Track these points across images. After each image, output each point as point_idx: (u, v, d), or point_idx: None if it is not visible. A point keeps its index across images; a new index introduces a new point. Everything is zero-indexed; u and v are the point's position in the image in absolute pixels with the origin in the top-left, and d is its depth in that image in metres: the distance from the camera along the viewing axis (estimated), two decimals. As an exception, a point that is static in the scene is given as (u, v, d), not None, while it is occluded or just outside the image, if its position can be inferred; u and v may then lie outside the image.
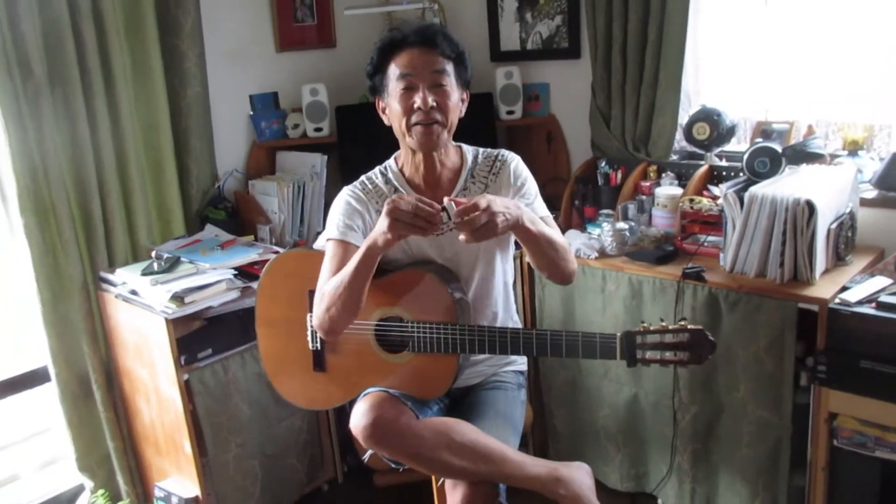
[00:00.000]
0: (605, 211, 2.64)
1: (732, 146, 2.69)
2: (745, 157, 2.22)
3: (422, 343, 1.72)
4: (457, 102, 1.77)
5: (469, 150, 1.90)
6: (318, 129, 2.92)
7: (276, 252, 2.46)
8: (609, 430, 2.53)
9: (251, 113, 2.93)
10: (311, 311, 1.80)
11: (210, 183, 2.80)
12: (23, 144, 2.23)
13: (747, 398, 2.15)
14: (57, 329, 2.39)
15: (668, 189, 2.52)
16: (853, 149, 2.43)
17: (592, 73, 2.76)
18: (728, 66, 2.72)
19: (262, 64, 2.97)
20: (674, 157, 2.72)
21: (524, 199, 1.83)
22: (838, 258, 2.16)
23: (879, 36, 2.33)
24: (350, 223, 1.78)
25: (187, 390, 2.26)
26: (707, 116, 2.58)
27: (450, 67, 1.74)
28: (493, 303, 1.87)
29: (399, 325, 1.75)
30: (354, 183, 1.87)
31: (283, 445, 2.54)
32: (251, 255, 2.41)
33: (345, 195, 1.84)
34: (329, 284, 1.69)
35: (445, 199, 1.53)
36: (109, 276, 2.42)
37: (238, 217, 2.78)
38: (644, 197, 2.60)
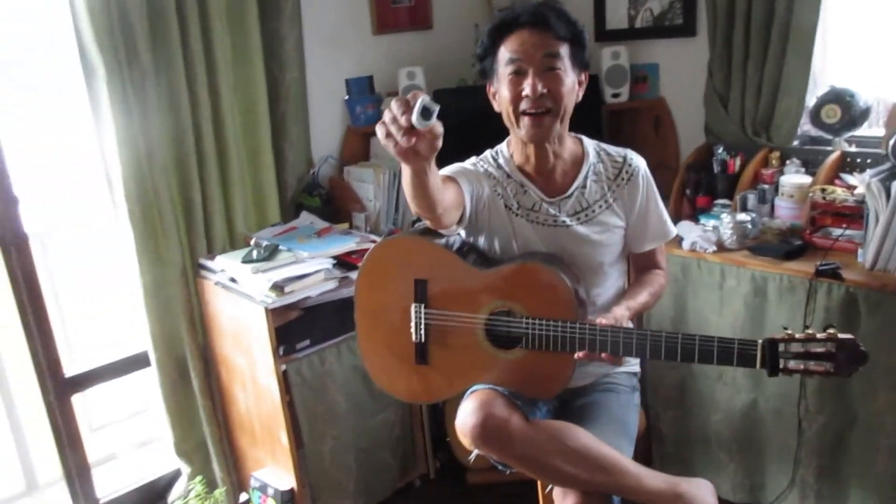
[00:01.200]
0: (721, 201, 2.45)
1: (863, 131, 2.45)
2: (892, 141, 1.99)
3: (537, 340, 1.60)
4: (572, 87, 1.63)
5: (590, 143, 1.77)
6: (415, 114, 2.82)
7: (374, 241, 2.39)
8: (721, 436, 2.35)
9: (346, 97, 2.87)
10: (416, 300, 1.72)
11: (305, 169, 2.75)
12: (128, 131, 2.22)
13: (886, 409, 1.95)
14: (157, 314, 2.40)
15: (794, 177, 2.31)
16: None
17: (710, 51, 2.56)
18: (858, 43, 2.47)
19: (358, 47, 2.90)
20: (795, 143, 2.51)
21: (652, 214, 1.74)
22: None
23: None
24: (464, 171, 1.67)
25: (285, 381, 2.22)
26: (838, 98, 2.36)
27: (564, 50, 1.60)
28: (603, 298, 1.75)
29: (512, 320, 1.64)
30: (466, 161, 1.77)
31: (378, 439, 2.49)
32: (349, 244, 2.35)
33: (461, 164, 1.75)
34: None
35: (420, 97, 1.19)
36: (208, 263, 2.41)
37: (332, 204, 2.73)
38: (766, 186, 2.39)
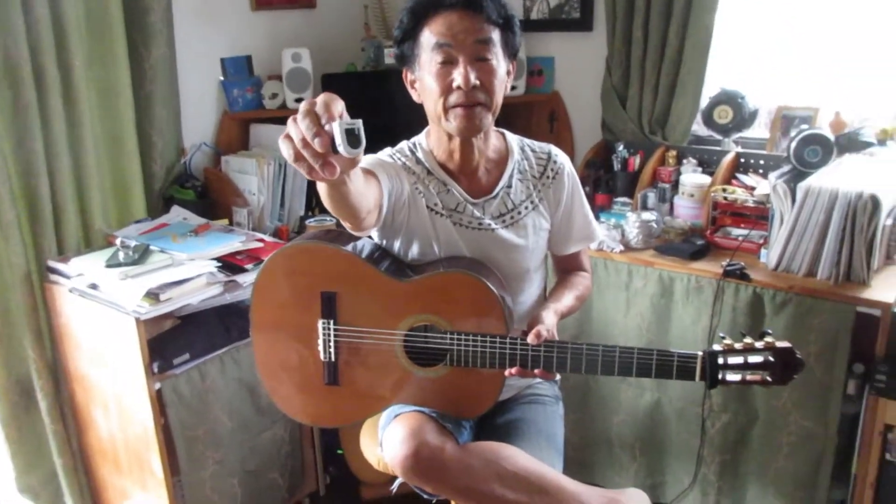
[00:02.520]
0: (621, 199, 2.43)
1: (751, 132, 2.51)
2: (793, 144, 2.02)
3: (462, 357, 1.45)
4: (503, 78, 1.48)
5: (513, 139, 1.63)
6: (300, 100, 2.58)
7: (261, 239, 2.15)
8: (624, 437, 2.33)
9: (222, 79, 2.57)
10: (324, 316, 1.51)
11: (175, 158, 2.44)
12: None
13: (790, 407, 1.98)
14: (-7, 326, 2.02)
15: (695, 177, 2.32)
16: (883, 138, 2.28)
17: (608, 47, 2.52)
18: (744, 49, 2.53)
19: (235, 23, 2.61)
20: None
21: (577, 214, 1.65)
22: (888, 256, 2.00)
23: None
24: (382, 165, 1.47)
25: (159, 401, 1.93)
26: (730, 99, 2.40)
27: (496, 35, 1.45)
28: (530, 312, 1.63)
29: (434, 336, 1.48)
30: (381, 152, 1.58)
31: (265, 459, 2.24)
32: (233, 244, 2.09)
33: (377, 154, 1.56)
34: None
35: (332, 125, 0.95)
36: (60, 266, 2.05)
37: (208, 198, 2.44)
38: (665, 185, 2.39)
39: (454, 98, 1.43)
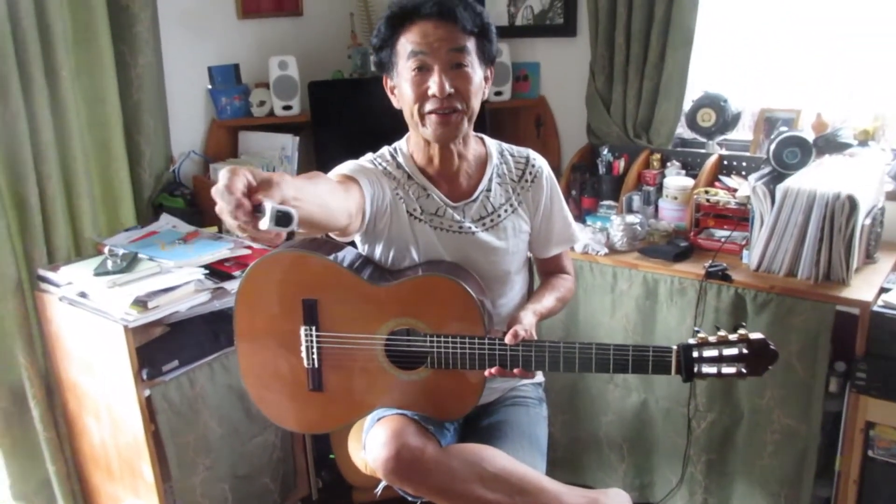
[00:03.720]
0: (606, 202, 2.45)
1: (734, 135, 2.54)
2: (773, 146, 2.05)
3: (443, 359, 1.47)
4: (479, 85, 1.51)
5: (492, 143, 1.66)
6: (288, 108, 2.61)
7: (249, 246, 2.17)
8: (613, 438, 2.35)
9: (210, 87, 2.60)
10: (305, 323, 1.53)
11: (164, 166, 2.46)
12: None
13: (773, 405, 2.00)
14: (-14, 335, 2.04)
15: (678, 179, 2.34)
16: (864, 139, 2.31)
17: (592, 52, 2.55)
18: (727, 52, 2.56)
19: (222, 32, 2.63)
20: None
21: (557, 217, 1.67)
22: (867, 256, 2.03)
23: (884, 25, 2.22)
24: (364, 171, 1.49)
25: (149, 408, 1.95)
26: (713, 102, 2.43)
27: (471, 44, 1.48)
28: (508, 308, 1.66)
29: (415, 339, 1.50)
30: (362, 158, 1.60)
31: (256, 464, 2.26)
32: (221, 251, 2.10)
33: (357, 161, 1.57)
34: None
35: (266, 203, 1.02)
36: (50, 275, 2.07)
37: (198, 206, 2.45)
38: (650, 188, 2.41)
39: (430, 105, 1.46)
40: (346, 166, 1.52)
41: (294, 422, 1.66)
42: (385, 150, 1.63)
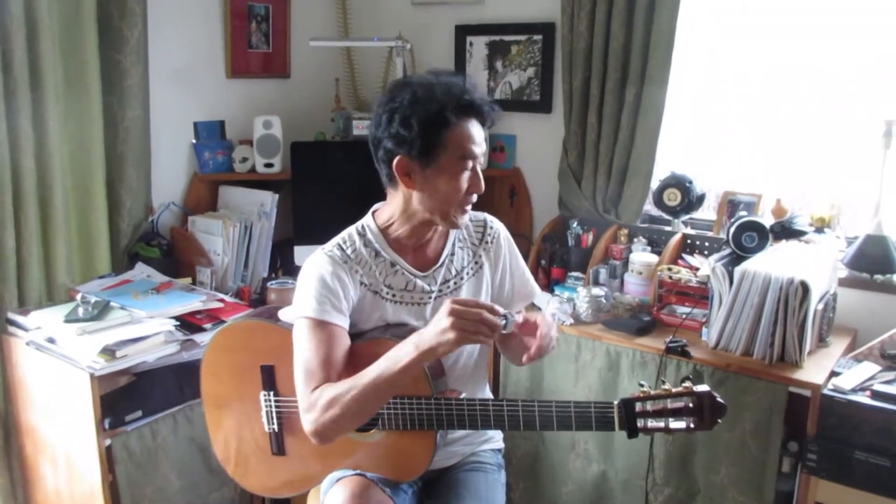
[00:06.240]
0: (574, 273, 2.52)
1: (700, 214, 2.64)
2: (732, 230, 2.15)
3: (392, 419, 1.50)
4: None
5: None
6: (270, 165, 2.67)
7: (221, 300, 2.20)
8: (572, 507, 2.37)
9: (194, 141, 2.66)
10: (265, 388, 1.59)
11: (143, 216, 2.50)
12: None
13: (728, 483, 2.04)
14: (-53, 377, 2.03)
15: (644, 255, 2.42)
16: (820, 226, 2.42)
17: (565, 129, 2.66)
18: (694, 135, 2.69)
19: (210, 89, 2.71)
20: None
21: (516, 274, 1.72)
22: (820, 339, 2.11)
23: (845, 113, 2.36)
24: (329, 297, 1.49)
25: (108, 457, 1.94)
26: (678, 182, 2.53)
27: None
28: (467, 373, 1.68)
29: None
30: (328, 247, 1.57)
31: (213, 520, 2.24)
32: (193, 303, 2.13)
33: (321, 264, 1.52)
34: (338, 388, 1.38)
35: (503, 311, 1.37)
36: (19, 319, 2.08)
37: (173, 256, 2.49)
38: (616, 262, 2.49)
39: (468, 200, 1.53)
40: (307, 303, 1.48)
41: (261, 486, 1.69)
42: (352, 230, 1.61)
